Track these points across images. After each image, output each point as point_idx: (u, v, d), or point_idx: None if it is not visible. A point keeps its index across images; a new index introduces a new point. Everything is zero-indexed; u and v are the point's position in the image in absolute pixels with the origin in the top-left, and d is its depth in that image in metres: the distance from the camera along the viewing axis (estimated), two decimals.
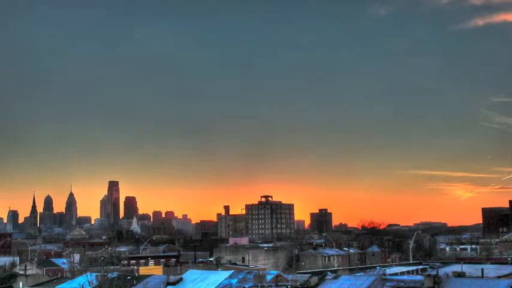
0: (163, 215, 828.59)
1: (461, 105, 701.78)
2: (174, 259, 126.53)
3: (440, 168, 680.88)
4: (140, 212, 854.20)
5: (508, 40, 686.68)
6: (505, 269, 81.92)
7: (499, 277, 67.33)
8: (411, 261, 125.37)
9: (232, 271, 67.00)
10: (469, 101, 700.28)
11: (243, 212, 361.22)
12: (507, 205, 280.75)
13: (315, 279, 56.84)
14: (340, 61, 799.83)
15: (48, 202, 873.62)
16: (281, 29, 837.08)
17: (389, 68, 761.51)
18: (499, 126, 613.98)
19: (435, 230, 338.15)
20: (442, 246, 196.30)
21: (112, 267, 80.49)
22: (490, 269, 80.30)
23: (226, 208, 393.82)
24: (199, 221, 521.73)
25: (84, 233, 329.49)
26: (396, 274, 72.62)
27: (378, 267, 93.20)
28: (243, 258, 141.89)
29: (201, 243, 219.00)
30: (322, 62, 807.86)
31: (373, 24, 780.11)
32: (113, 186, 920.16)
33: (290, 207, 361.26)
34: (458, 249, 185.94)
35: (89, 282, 59.07)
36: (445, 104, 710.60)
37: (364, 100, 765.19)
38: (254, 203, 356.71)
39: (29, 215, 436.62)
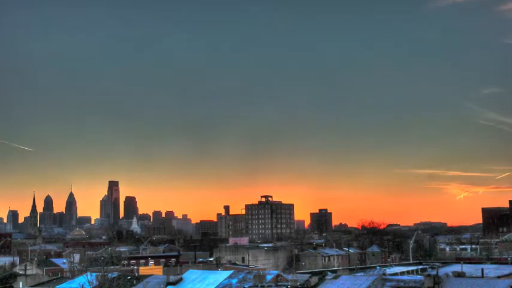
0: (163, 215, 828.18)
1: (453, 101, 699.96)
2: (174, 259, 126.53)
3: (440, 167, 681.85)
4: (140, 212, 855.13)
5: (491, 17, 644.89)
6: (505, 269, 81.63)
7: (499, 277, 67.22)
8: (411, 261, 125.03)
9: (232, 271, 66.92)
10: (459, 94, 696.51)
11: (243, 212, 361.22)
12: (507, 205, 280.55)
13: (315, 279, 56.80)
14: (340, 60, 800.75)
15: (48, 202, 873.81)
16: (281, 29, 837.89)
17: (385, 64, 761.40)
18: (489, 123, 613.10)
19: (435, 230, 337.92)
20: (442, 246, 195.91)
21: (112, 267, 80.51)
22: (490, 269, 80.00)
23: (226, 208, 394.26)
24: (199, 221, 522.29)
25: (84, 233, 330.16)
26: (396, 274, 72.39)
27: (378, 267, 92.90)
28: (243, 258, 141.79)
29: (201, 243, 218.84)
30: (322, 62, 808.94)
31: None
32: (113, 186, 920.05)
33: (290, 207, 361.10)
34: (458, 249, 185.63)
35: (89, 282, 59.07)
36: (439, 101, 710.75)
37: (364, 100, 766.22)
38: (254, 203, 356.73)
39: (29, 215, 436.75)
